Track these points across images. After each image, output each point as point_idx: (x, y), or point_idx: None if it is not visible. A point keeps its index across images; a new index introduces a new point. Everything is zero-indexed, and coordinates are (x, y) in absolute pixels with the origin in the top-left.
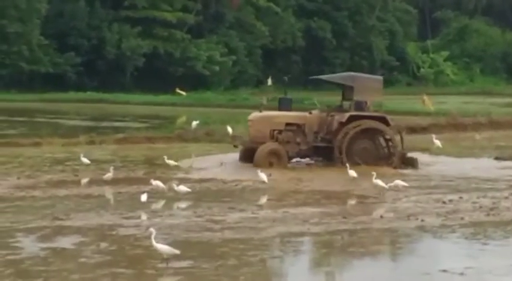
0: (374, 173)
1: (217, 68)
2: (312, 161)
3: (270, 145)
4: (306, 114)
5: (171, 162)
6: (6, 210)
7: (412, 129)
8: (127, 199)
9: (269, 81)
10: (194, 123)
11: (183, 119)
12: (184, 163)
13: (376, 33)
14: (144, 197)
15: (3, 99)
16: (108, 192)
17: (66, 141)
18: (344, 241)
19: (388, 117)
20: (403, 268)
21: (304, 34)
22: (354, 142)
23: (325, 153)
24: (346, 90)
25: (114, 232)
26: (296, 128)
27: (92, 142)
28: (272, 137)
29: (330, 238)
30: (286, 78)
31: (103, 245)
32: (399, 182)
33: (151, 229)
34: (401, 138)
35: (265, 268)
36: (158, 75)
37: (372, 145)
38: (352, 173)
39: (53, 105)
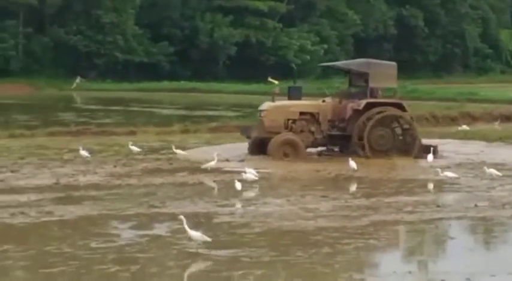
0: (439, 169)
1: (308, 57)
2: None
3: (284, 135)
4: (320, 102)
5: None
6: (103, 198)
7: (507, 118)
8: (222, 187)
9: None
10: None
11: None
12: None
13: (469, 20)
14: (238, 185)
15: (99, 89)
16: (203, 180)
17: (161, 130)
18: (438, 230)
19: (405, 103)
20: (498, 257)
21: (395, 22)
22: (372, 129)
23: (340, 142)
24: (353, 77)
25: (209, 220)
26: (310, 117)
27: (186, 131)
28: (287, 127)
29: (423, 227)
30: (294, 66)
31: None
32: (493, 171)
33: (181, 216)
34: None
35: (359, 256)
36: (250, 64)
37: (388, 132)
38: (430, 158)
39: (147, 95)
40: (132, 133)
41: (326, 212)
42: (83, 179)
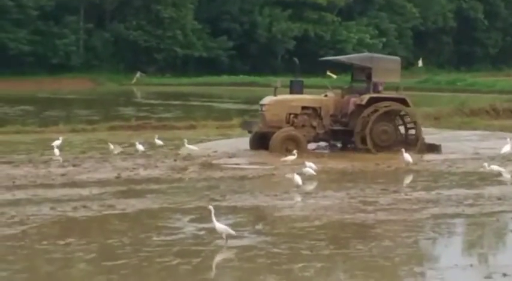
0: (485, 164)
1: (366, 50)
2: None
3: (286, 130)
4: (322, 97)
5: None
6: (164, 191)
7: None
8: (281, 180)
9: (420, 63)
10: None
11: None
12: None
13: None
14: (298, 179)
15: (159, 83)
16: (262, 173)
17: (220, 124)
18: (499, 223)
19: (408, 98)
20: None
21: (455, 15)
22: (374, 124)
23: (343, 137)
24: (356, 71)
25: (269, 213)
26: (312, 111)
27: None
28: (288, 122)
29: (484, 220)
30: (296, 60)
31: (258, 226)
32: None
33: (210, 207)
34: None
35: (419, 249)
36: (308, 58)
37: (391, 127)
38: (506, 148)
39: (206, 89)
40: (192, 127)
41: (386, 205)
42: (143, 173)
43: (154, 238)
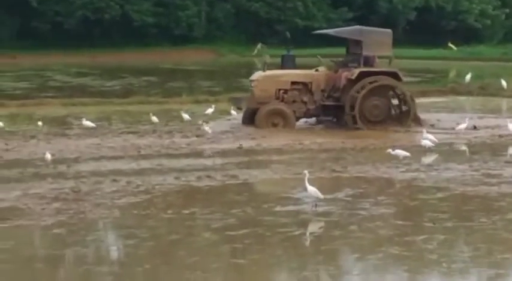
0: None
1: (489, 21)
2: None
3: (272, 105)
4: (313, 72)
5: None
6: (286, 162)
7: None
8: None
9: None
10: (468, 77)
11: (454, 72)
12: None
13: None
14: (400, 152)
15: (279, 55)
16: (383, 145)
17: None
18: None
19: (400, 72)
20: None
21: None
22: (366, 99)
23: (334, 112)
24: (351, 44)
25: (391, 185)
26: (302, 86)
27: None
28: (278, 97)
29: None
30: (288, 33)
31: (380, 197)
32: None
33: (305, 171)
34: (412, 99)
35: None
36: (429, 29)
37: (383, 102)
38: None
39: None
40: None
41: (510, 178)
42: (265, 144)
43: (277, 208)
